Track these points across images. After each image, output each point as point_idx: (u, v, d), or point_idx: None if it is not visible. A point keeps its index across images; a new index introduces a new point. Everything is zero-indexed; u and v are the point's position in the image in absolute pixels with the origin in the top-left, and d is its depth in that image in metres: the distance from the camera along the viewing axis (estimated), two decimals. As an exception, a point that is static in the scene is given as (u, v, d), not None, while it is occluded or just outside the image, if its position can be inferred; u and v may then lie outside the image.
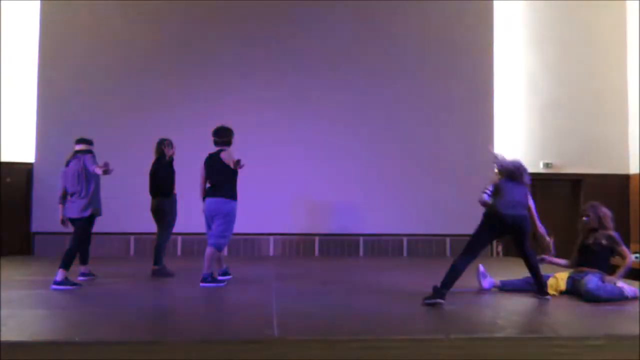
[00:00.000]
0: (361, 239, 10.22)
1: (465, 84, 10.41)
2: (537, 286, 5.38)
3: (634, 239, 10.36)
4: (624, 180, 10.75)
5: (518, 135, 10.64)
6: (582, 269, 5.49)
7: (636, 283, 6.06)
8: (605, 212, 5.58)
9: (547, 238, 5.54)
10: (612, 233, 5.52)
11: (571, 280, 5.50)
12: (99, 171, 5.96)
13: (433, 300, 4.92)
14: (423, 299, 4.99)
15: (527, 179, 5.47)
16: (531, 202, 5.45)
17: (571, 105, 10.66)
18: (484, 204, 5.24)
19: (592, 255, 5.50)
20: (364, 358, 3.59)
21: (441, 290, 4.98)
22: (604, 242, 5.46)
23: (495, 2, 10.66)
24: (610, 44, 10.86)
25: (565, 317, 4.67)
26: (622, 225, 10.52)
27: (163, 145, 6.99)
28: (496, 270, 5.91)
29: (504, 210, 5.16)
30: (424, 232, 9.90)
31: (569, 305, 5.05)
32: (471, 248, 5.20)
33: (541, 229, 5.55)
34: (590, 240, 5.54)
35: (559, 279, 5.54)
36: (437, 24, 10.56)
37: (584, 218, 5.63)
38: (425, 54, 10.47)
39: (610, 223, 5.55)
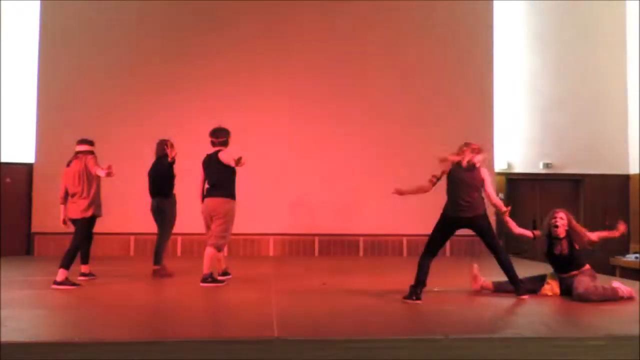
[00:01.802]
0: (361, 239, 10.22)
1: (465, 84, 10.40)
2: (513, 285, 5.37)
3: (634, 239, 10.36)
4: (624, 180, 10.75)
5: (518, 135, 10.64)
6: (570, 273, 5.43)
7: (636, 283, 6.07)
8: (573, 220, 5.46)
9: (503, 208, 5.49)
10: (589, 238, 5.41)
11: (563, 283, 5.47)
12: (102, 173, 5.97)
13: (409, 300, 5.09)
14: (403, 297, 5.15)
15: (477, 160, 5.29)
16: (487, 184, 5.32)
17: (571, 105, 10.66)
18: None
19: (569, 261, 5.43)
20: (363, 358, 3.59)
21: (416, 289, 5.13)
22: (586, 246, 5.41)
23: (495, 2, 10.65)
24: (610, 44, 10.85)
25: (565, 317, 4.67)
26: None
27: (166, 146, 6.99)
28: (493, 270, 5.89)
29: (455, 213, 5.26)
30: (424, 232, 9.84)
31: (568, 306, 5.05)
32: (431, 244, 5.36)
33: (496, 200, 5.51)
34: (563, 249, 5.42)
35: (552, 284, 5.53)
36: (437, 23, 10.55)
37: (554, 225, 5.45)
38: (425, 54, 10.46)
39: (580, 228, 5.43)
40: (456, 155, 5.37)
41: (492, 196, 5.42)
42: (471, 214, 5.23)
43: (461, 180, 5.29)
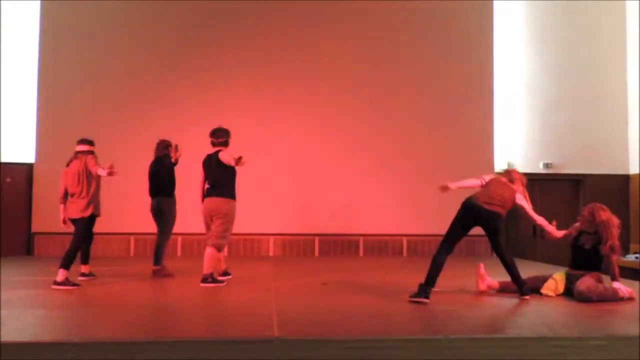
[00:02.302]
0: (361, 239, 10.22)
1: (465, 84, 10.41)
2: (516, 286, 5.40)
3: (634, 239, 10.36)
4: (624, 180, 10.75)
5: (518, 135, 10.64)
6: (579, 272, 5.45)
7: (636, 283, 6.07)
8: (615, 221, 5.43)
9: (549, 226, 5.63)
10: (616, 246, 5.35)
11: (568, 281, 5.48)
12: (103, 173, 5.96)
13: (417, 299, 5.04)
14: (409, 295, 5.10)
15: (518, 186, 5.57)
16: (524, 203, 5.52)
17: (571, 105, 10.66)
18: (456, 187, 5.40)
19: (588, 257, 5.45)
20: (364, 358, 3.59)
21: (426, 288, 5.09)
22: (605, 250, 5.36)
23: (495, 2, 10.66)
24: (610, 44, 10.86)
25: (565, 317, 4.66)
26: (622, 225, 10.55)
27: (170, 147, 6.99)
28: (496, 270, 5.89)
29: (481, 203, 5.28)
30: (424, 232, 9.91)
31: (569, 305, 5.05)
32: (447, 240, 5.31)
33: (539, 220, 5.59)
34: (586, 244, 5.45)
35: (557, 280, 5.53)
36: (437, 24, 10.55)
37: (585, 216, 5.51)
38: (425, 54, 10.47)
39: (616, 231, 5.38)
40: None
41: (534, 215, 5.56)
42: (493, 208, 5.29)
43: (497, 187, 5.46)
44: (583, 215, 5.59)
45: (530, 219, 5.59)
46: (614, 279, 5.39)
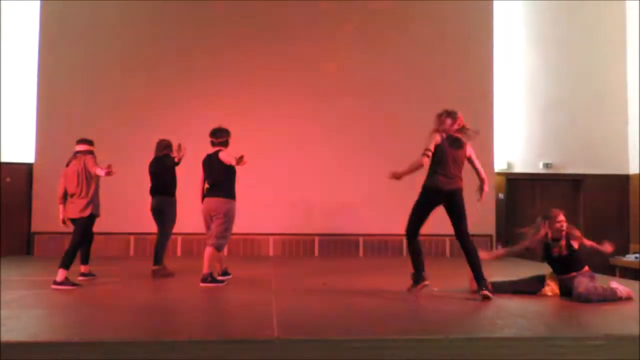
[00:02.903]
0: (361, 239, 10.22)
1: (465, 84, 10.39)
2: (475, 279, 5.30)
3: (633, 239, 10.36)
4: (624, 180, 10.76)
5: (518, 135, 10.64)
6: (569, 275, 5.42)
7: (635, 283, 6.08)
8: (561, 219, 5.43)
9: (486, 181, 5.57)
10: (577, 237, 5.42)
11: (563, 284, 5.47)
12: (101, 173, 5.98)
13: (418, 286, 5.21)
14: (407, 289, 5.27)
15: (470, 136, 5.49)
16: (475, 159, 5.53)
17: (571, 105, 10.66)
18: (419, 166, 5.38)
19: (571, 261, 5.43)
20: (364, 358, 3.59)
21: (420, 274, 5.28)
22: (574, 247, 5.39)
23: (495, 2, 10.66)
24: (610, 44, 10.86)
25: (565, 317, 4.67)
26: (622, 225, 10.60)
27: (170, 147, 6.99)
28: (491, 271, 5.89)
29: (441, 184, 5.29)
30: (423, 232, 9.86)
31: (568, 306, 5.05)
32: (413, 226, 5.53)
33: (484, 175, 5.57)
34: (562, 250, 5.42)
35: (552, 285, 5.52)
36: (437, 23, 10.55)
37: (560, 229, 5.44)
38: (425, 54, 10.46)
39: (560, 225, 5.40)
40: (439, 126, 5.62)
41: (482, 170, 5.56)
42: (454, 186, 5.31)
43: (449, 155, 5.40)
44: (559, 227, 5.42)
45: (478, 171, 5.54)
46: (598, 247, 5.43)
